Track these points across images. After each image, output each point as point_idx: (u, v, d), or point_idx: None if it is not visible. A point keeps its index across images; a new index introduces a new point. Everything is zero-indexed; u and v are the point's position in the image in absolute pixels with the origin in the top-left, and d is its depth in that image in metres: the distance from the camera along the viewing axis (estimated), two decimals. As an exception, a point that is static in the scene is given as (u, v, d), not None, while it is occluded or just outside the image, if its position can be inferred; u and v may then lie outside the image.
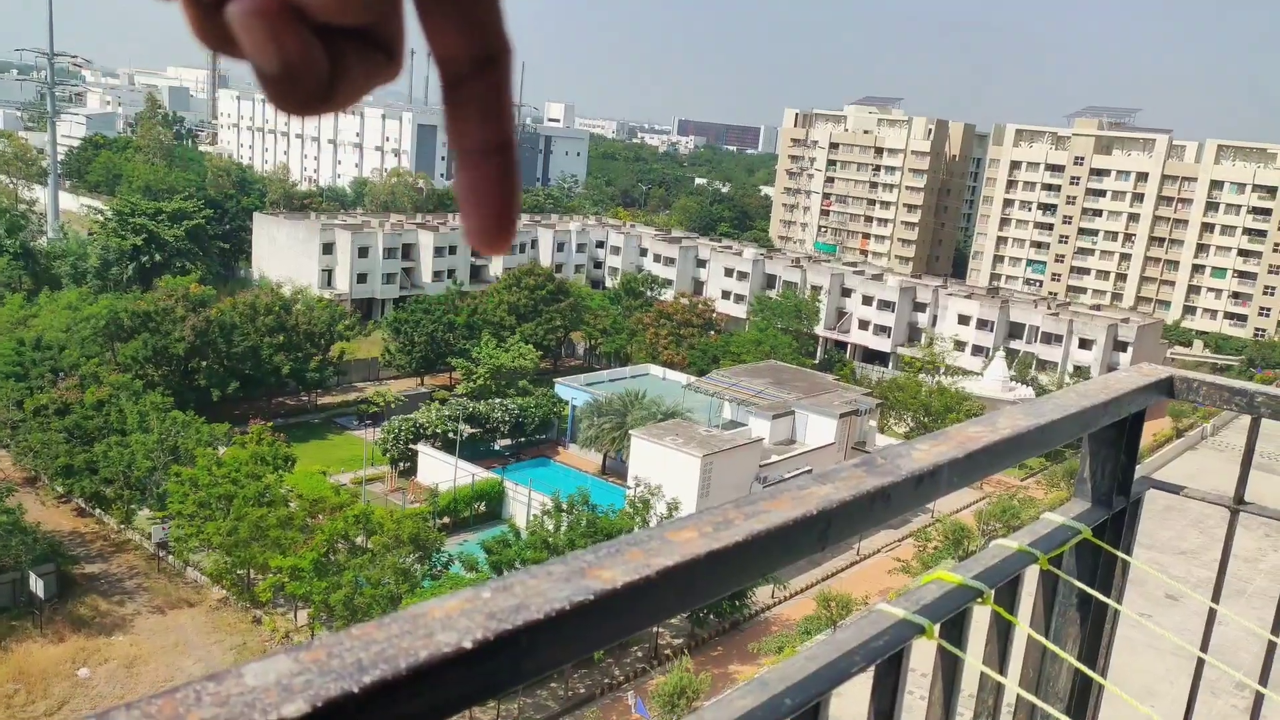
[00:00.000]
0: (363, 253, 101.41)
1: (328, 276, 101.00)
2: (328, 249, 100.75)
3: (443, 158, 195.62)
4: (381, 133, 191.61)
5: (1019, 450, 1.88)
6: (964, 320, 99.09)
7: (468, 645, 0.78)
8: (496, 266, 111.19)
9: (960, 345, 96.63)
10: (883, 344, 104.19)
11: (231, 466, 46.28)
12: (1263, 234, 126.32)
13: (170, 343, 66.01)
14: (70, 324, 65.58)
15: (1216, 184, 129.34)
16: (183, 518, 45.42)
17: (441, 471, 59.28)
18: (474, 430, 66.76)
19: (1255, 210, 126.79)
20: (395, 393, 74.76)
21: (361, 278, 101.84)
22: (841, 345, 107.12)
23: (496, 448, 68.61)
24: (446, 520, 55.36)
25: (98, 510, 52.14)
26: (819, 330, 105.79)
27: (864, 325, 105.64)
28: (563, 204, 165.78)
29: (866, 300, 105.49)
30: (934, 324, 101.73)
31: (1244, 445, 2.85)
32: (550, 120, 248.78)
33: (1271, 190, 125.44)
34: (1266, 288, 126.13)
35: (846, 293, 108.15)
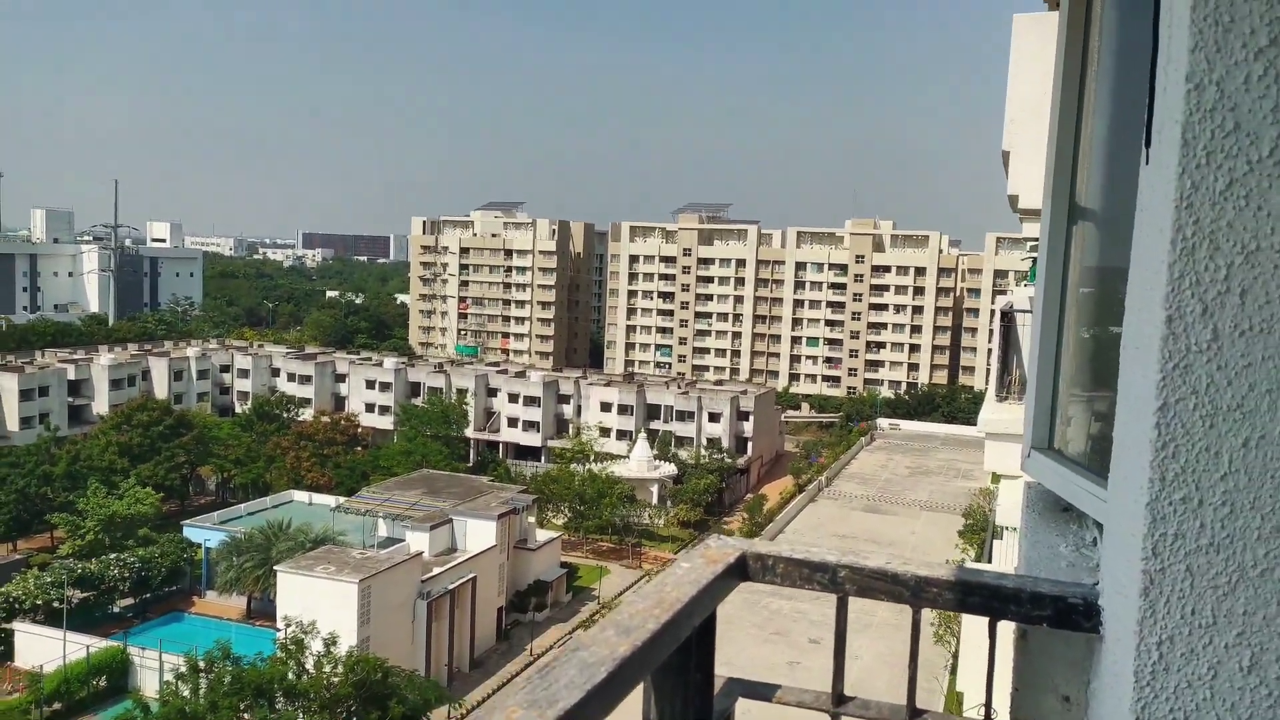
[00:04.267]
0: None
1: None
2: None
3: (24, 289, 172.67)
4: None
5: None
6: (606, 407, 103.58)
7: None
8: (101, 405, 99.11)
9: (605, 431, 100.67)
10: (533, 439, 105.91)
11: None
12: (842, 305, 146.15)
13: None
14: None
15: (801, 265, 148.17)
16: None
17: (47, 649, 50.54)
18: (86, 594, 57.98)
19: (833, 285, 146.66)
20: (-23, 567, 63.12)
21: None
22: (494, 445, 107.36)
23: (117, 610, 59.98)
24: (57, 706, 47.11)
25: None
26: (469, 433, 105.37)
27: (513, 423, 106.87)
28: (178, 329, 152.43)
29: (513, 398, 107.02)
30: (579, 414, 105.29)
31: (835, 627, 2.55)
32: (155, 240, 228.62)
33: (843, 267, 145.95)
34: (851, 350, 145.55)
35: (493, 392, 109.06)
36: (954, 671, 38.72)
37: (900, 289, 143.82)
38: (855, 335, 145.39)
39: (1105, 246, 3.03)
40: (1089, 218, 3.16)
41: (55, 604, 53.64)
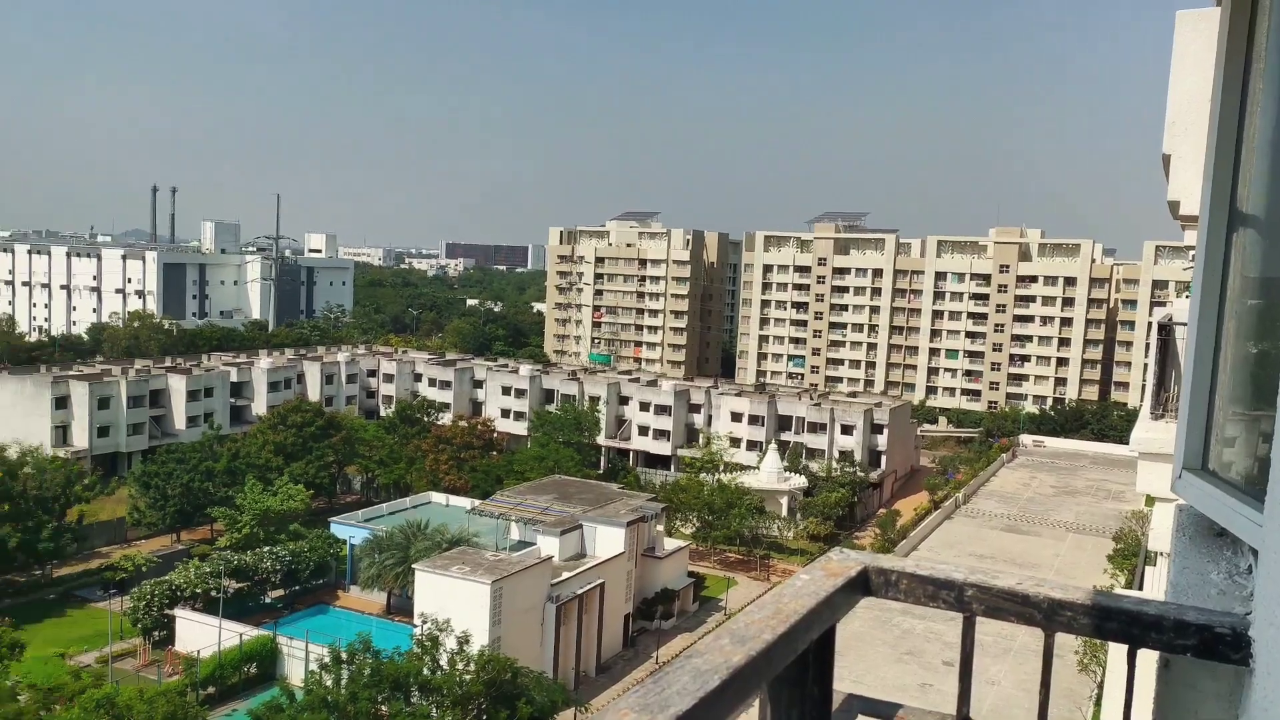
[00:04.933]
0: (103, 404, 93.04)
1: (62, 433, 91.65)
2: (61, 403, 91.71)
3: (194, 296, 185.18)
4: (123, 274, 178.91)
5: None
6: (737, 417, 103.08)
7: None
8: (260, 406, 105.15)
9: (735, 442, 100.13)
10: (663, 448, 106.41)
11: (-59, 664, 39.90)
12: (984, 317, 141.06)
13: None
14: None
15: (941, 275, 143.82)
16: (-122, 734, 38.37)
17: (204, 635, 53.85)
18: (241, 585, 61.55)
19: (975, 296, 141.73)
20: (146, 554, 67.93)
21: (103, 431, 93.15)
22: (624, 453, 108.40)
23: (268, 601, 63.41)
24: (211, 690, 50.10)
25: None
26: (601, 440, 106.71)
27: (644, 431, 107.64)
28: (330, 335, 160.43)
29: (644, 406, 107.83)
30: (709, 424, 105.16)
31: (961, 647, 2.44)
32: (312, 251, 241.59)
33: (986, 278, 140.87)
34: (993, 364, 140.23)
35: (624, 401, 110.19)
36: (1098, 702, 36.70)
37: (1048, 300, 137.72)
38: (998, 348, 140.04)
39: (1269, 256, 2.82)
40: (1251, 225, 2.96)
41: (213, 593, 57.13)
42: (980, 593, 2.39)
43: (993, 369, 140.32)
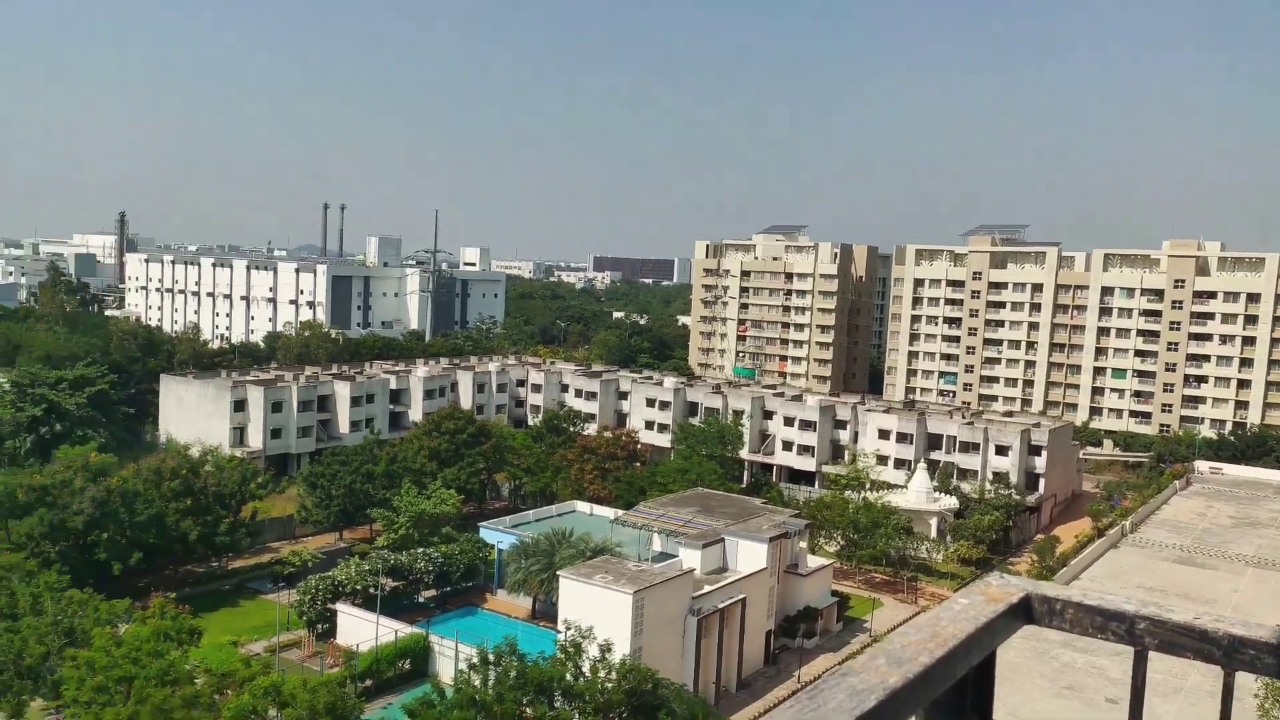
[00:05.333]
0: (276, 408, 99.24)
1: (240, 434, 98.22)
2: (239, 406, 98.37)
3: (358, 307, 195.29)
4: (295, 286, 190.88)
5: None
6: (884, 435, 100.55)
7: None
8: (416, 412, 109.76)
9: (883, 459, 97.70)
10: (807, 463, 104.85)
11: (132, 645, 43.29)
12: (1155, 334, 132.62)
13: (68, 516, 62.72)
14: (-42, 504, 61.93)
15: (1108, 290, 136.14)
16: (78, 705, 41.98)
17: (362, 630, 56.54)
18: (396, 583, 64.27)
19: (1146, 313, 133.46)
20: (312, 550, 71.88)
21: (276, 433, 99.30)
22: (767, 467, 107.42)
23: (421, 600, 66.00)
24: (368, 683, 52.50)
25: (-16, 705, 47.94)
26: (744, 454, 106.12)
27: (788, 446, 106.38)
28: (482, 345, 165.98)
29: (788, 421, 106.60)
30: (855, 440, 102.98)
31: (1131, 683, 2.35)
32: (467, 264, 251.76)
33: (1159, 293, 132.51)
34: (1166, 384, 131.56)
35: (768, 415, 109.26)
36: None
37: (1228, 317, 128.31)
38: (1171, 367, 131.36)
39: None
40: None
41: (371, 590, 59.88)
42: (1154, 626, 2.28)
43: (1165, 390, 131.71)
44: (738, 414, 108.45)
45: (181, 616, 47.79)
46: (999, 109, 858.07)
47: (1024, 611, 2.41)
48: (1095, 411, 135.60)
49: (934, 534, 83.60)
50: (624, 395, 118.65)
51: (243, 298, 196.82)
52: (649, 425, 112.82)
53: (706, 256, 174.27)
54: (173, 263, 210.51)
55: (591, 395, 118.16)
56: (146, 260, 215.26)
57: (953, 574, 77.28)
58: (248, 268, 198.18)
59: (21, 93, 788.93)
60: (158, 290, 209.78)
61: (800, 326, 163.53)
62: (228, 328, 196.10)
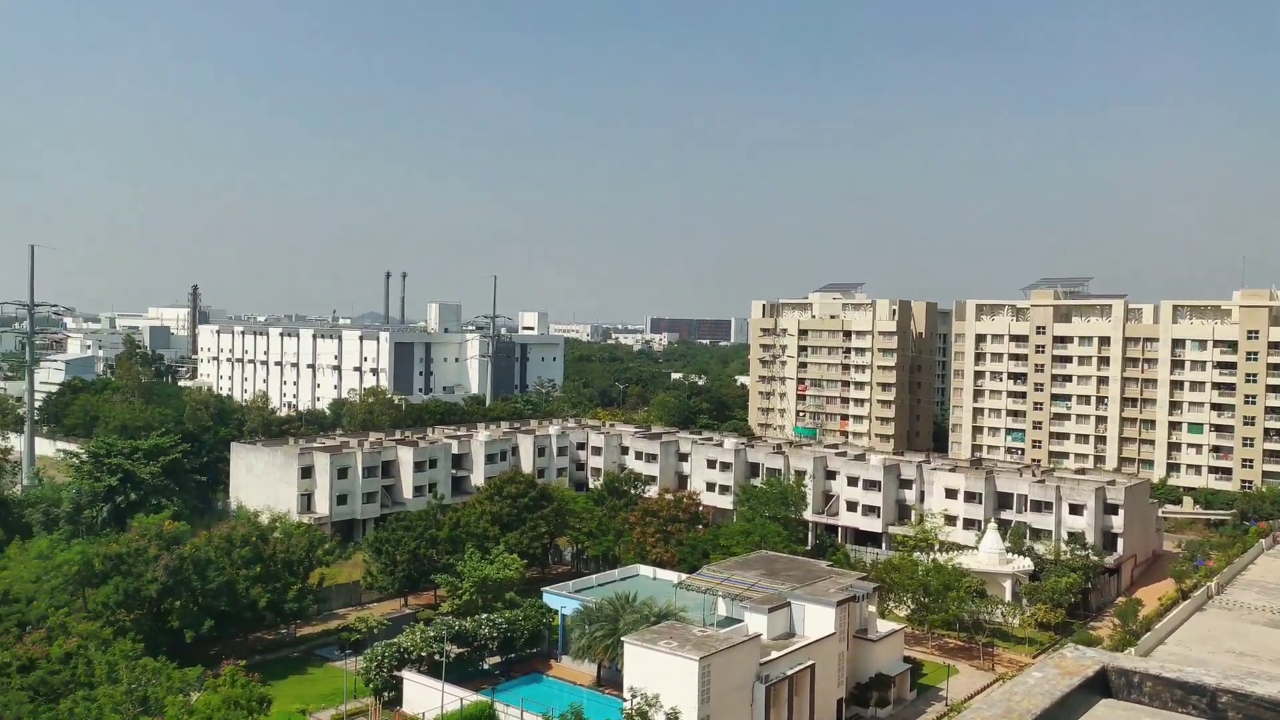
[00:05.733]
0: (342, 473, 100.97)
1: (307, 501, 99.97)
2: (306, 473, 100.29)
3: (420, 373, 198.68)
4: (359, 353, 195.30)
5: None
6: (951, 494, 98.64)
7: None
8: (478, 477, 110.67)
9: (951, 520, 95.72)
10: (873, 524, 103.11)
11: (204, 714, 43.98)
12: (1231, 387, 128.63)
13: (143, 584, 64.22)
14: (40, 573, 63.87)
15: (1178, 342, 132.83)
16: (152, 774, 42.61)
17: (428, 698, 56.58)
18: (461, 650, 64.33)
19: (1220, 365, 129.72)
20: (378, 617, 72.36)
21: (341, 499, 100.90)
22: (832, 529, 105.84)
23: (485, 667, 65.90)
24: (435, 752, 52.31)
25: (61, 773, 48.79)
26: (808, 515, 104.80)
27: (852, 506, 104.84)
28: (541, 409, 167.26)
29: (852, 481, 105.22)
30: (922, 500, 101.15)
31: None
32: (525, 329, 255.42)
33: (1232, 344, 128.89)
34: (1245, 439, 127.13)
35: (831, 475, 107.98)
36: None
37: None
38: (1249, 421, 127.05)
39: None
40: None
41: (436, 656, 60.01)
42: (1237, 700, 2.43)
43: (1244, 444, 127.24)
44: (800, 474, 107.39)
45: (251, 684, 48.40)
46: (1055, 154, 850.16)
47: (1100, 685, 2.58)
48: (1173, 468, 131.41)
49: (1008, 597, 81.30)
50: (684, 457, 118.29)
51: (309, 366, 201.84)
52: (710, 487, 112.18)
53: (763, 316, 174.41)
54: (243, 333, 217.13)
55: (652, 457, 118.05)
56: (218, 331, 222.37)
57: (1030, 639, 74.91)
58: (314, 336, 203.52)
59: (97, 173, 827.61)
60: (229, 360, 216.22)
61: (861, 384, 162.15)
62: (295, 395, 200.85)
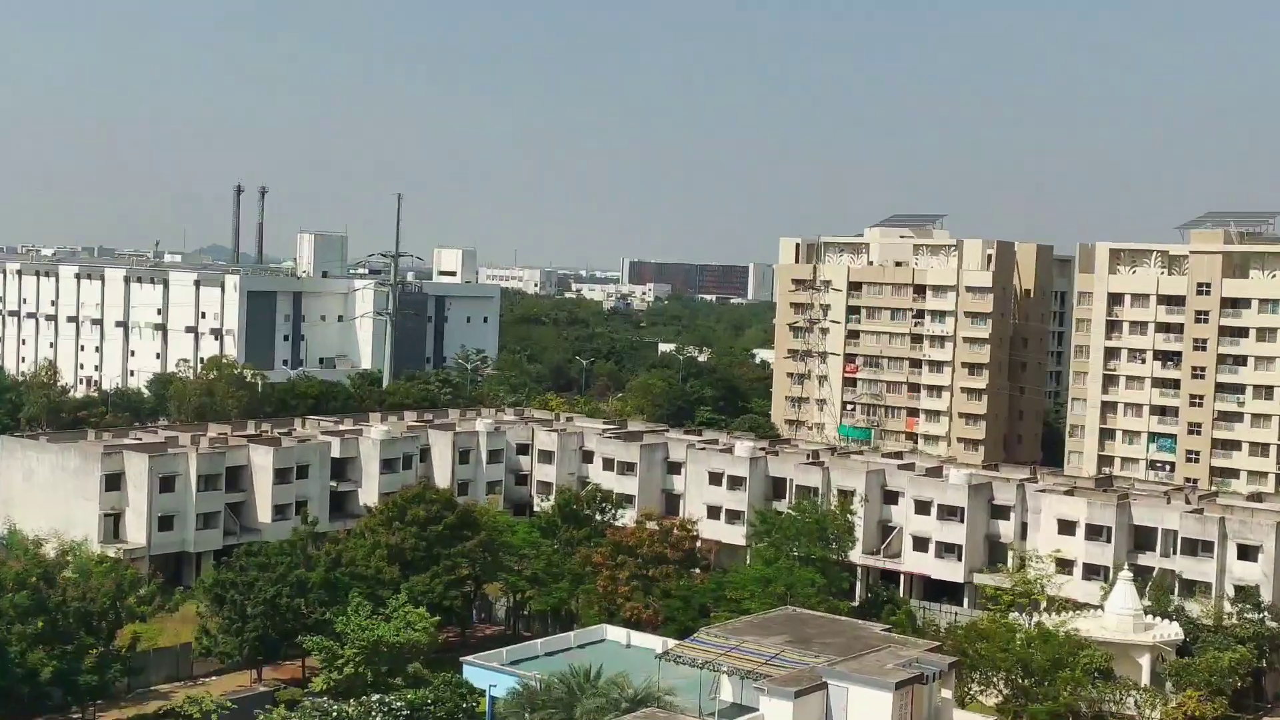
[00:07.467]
0: (166, 484, 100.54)
1: (114, 524, 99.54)
2: (113, 482, 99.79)
3: (285, 337, 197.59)
4: (195, 306, 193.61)
5: None
6: (1067, 528, 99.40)
7: None
8: (369, 493, 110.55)
9: (1065, 565, 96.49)
10: (951, 571, 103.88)
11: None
12: None
13: None
14: None
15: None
16: None
17: (291, 817, 56.63)
18: (341, 748, 64.41)
19: None
20: (217, 696, 72.22)
21: (165, 522, 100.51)
22: (891, 576, 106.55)
23: (377, 772, 66.03)
24: None
25: None
26: (856, 556, 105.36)
27: (921, 544, 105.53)
28: (466, 393, 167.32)
29: (921, 507, 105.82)
30: (1024, 536, 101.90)
31: None
32: (443, 274, 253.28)
33: None
34: None
35: (891, 497, 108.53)
36: None
37: None
38: None
39: None
40: None
41: (305, 755, 60.06)
42: None
43: None
44: (845, 496, 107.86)
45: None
46: (1204, 71, 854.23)
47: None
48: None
49: (1147, 678, 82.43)
50: (675, 468, 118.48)
51: (119, 324, 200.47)
52: (713, 512, 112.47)
53: (797, 261, 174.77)
54: (18, 272, 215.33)
55: (628, 468, 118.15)
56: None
57: (1175, 740, 75.95)
58: (126, 280, 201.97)
59: None
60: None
61: (938, 365, 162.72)
62: (97, 366, 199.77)
